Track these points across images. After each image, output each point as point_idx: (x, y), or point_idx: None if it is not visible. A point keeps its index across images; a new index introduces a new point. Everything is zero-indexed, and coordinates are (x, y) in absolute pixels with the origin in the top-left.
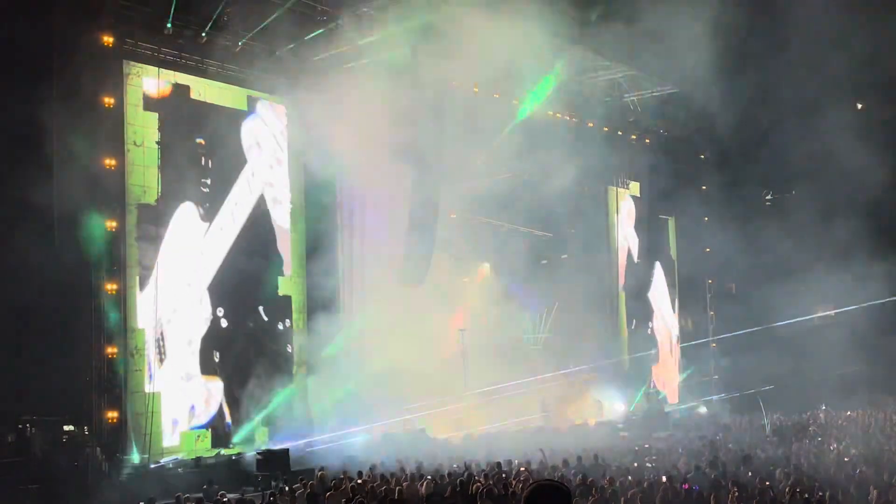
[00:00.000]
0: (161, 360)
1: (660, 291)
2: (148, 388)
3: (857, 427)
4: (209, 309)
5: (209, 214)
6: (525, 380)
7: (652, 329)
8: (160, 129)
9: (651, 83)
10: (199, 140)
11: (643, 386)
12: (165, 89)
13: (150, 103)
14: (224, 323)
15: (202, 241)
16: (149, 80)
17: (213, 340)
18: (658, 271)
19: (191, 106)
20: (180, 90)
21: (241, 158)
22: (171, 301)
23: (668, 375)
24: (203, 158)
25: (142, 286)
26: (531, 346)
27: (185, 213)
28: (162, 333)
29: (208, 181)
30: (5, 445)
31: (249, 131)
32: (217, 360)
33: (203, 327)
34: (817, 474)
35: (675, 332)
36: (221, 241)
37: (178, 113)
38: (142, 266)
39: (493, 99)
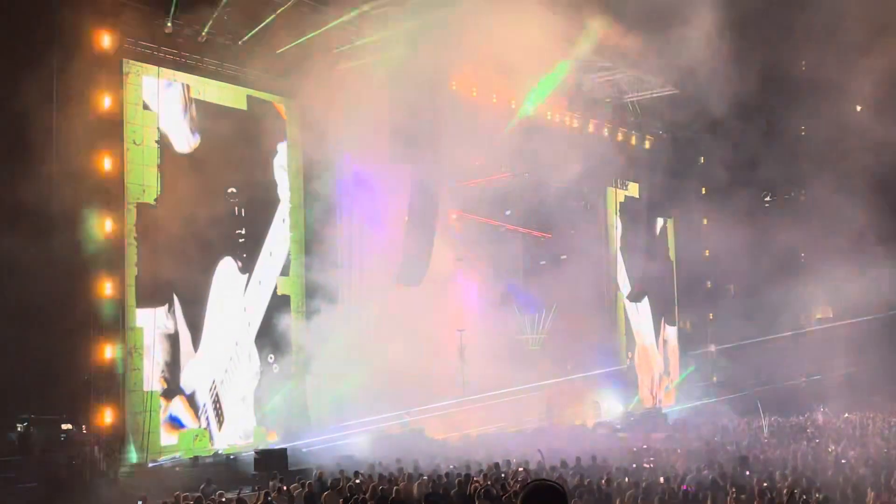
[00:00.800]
0: (220, 424)
1: (645, 326)
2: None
3: (854, 429)
4: (258, 363)
5: (247, 265)
6: (524, 384)
7: (632, 359)
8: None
9: (651, 84)
10: (230, 189)
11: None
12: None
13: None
14: (276, 369)
15: (243, 298)
16: (148, 79)
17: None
18: (644, 305)
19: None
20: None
21: (272, 198)
22: (222, 363)
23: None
24: (236, 208)
25: (195, 346)
26: (529, 347)
27: (226, 269)
28: (217, 395)
29: (243, 231)
30: (4, 444)
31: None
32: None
33: (254, 381)
34: (815, 476)
35: (660, 363)
36: (262, 293)
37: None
38: (191, 327)
39: (493, 99)
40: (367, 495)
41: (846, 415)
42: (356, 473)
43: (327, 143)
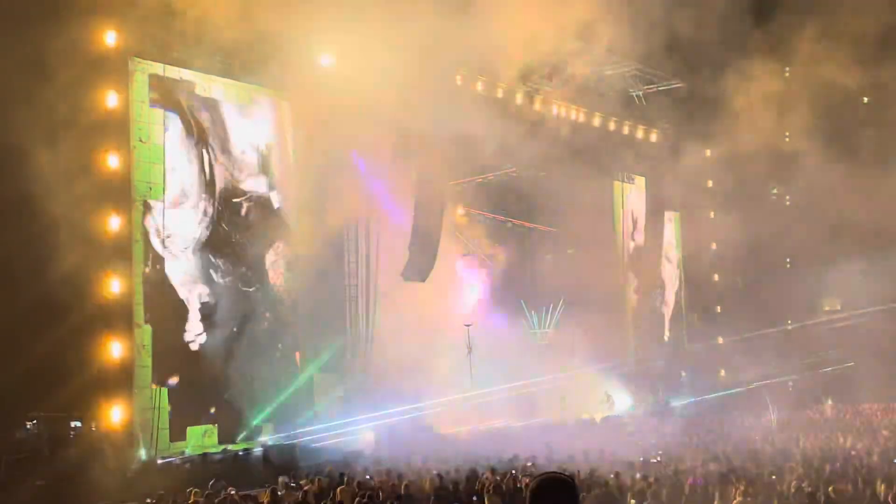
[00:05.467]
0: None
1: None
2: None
3: (863, 421)
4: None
5: None
6: (531, 379)
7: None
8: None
9: (658, 78)
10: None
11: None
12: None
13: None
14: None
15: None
16: (153, 77)
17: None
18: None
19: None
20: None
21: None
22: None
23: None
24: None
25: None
26: (537, 341)
27: None
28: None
29: None
30: (13, 442)
31: None
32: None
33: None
34: (824, 468)
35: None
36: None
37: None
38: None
39: (499, 93)
40: (378, 491)
41: (855, 407)
42: (366, 469)
43: (332, 139)
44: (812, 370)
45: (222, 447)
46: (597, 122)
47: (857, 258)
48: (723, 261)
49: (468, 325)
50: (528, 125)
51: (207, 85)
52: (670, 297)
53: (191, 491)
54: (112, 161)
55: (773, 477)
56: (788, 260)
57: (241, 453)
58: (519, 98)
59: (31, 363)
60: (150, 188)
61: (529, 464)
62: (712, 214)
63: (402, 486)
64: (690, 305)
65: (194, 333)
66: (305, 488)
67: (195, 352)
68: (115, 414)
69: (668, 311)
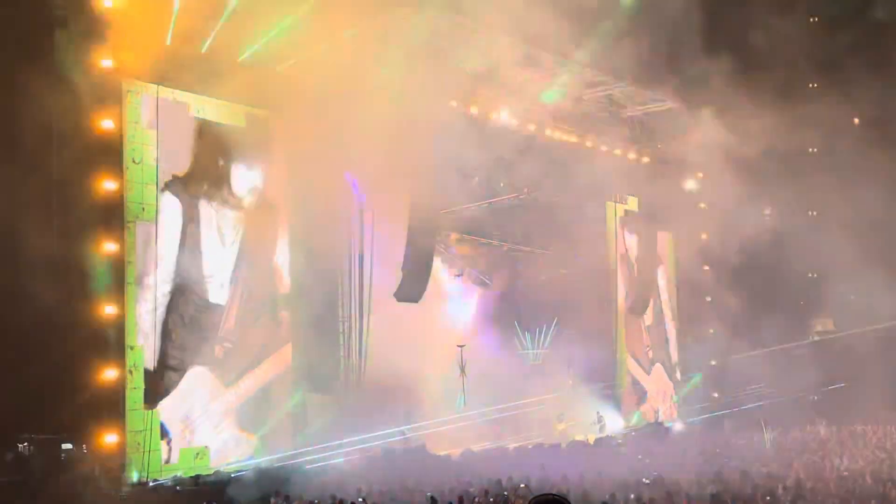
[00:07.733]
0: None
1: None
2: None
3: (857, 442)
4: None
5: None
6: (524, 399)
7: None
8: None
9: (649, 98)
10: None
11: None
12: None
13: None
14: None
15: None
16: (147, 98)
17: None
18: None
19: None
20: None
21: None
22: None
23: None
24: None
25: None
26: (530, 362)
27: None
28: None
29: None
30: (3, 465)
31: None
32: None
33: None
34: (817, 489)
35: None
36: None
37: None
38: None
39: (490, 116)
40: None
41: (848, 427)
42: (358, 490)
43: (326, 159)
44: (805, 390)
45: (214, 469)
46: (589, 143)
47: (850, 278)
48: (716, 283)
49: (461, 346)
50: (521, 148)
51: (201, 106)
52: (663, 319)
53: None
54: (105, 182)
55: (768, 498)
56: (781, 281)
57: (232, 475)
58: (513, 121)
59: (23, 385)
60: (143, 209)
61: (522, 485)
62: (705, 236)
63: None
64: (683, 327)
65: None
66: None
67: None
68: (106, 436)
69: (661, 333)
